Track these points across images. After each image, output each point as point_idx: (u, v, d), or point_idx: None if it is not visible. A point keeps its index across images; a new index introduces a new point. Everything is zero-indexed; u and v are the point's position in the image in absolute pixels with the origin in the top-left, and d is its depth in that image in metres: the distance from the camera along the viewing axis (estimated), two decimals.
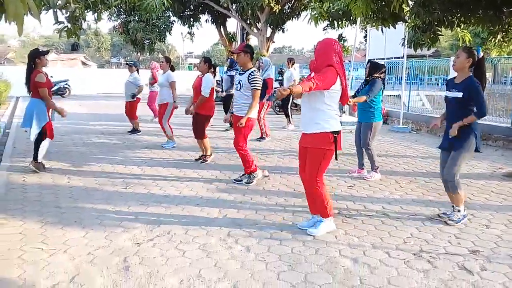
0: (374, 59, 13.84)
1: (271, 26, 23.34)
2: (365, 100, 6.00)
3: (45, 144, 6.28)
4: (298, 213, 4.58)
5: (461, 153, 4.21)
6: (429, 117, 11.46)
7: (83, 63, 54.18)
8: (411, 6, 6.87)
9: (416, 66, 15.01)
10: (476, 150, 4.25)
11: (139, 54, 30.38)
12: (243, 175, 5.88)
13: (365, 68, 6.45)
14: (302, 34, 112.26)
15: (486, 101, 4.14)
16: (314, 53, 3.98)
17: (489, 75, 24.87)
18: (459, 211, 4.35)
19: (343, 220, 4.40)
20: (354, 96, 6.19)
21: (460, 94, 4.14)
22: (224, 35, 26.14)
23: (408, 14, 7.32)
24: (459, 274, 3.25)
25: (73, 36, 6.89)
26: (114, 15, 22.36)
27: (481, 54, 4.16)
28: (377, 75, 6.09)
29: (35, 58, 6.00)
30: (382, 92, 6.19)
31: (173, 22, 23.79)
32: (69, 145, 8.46)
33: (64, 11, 6.38)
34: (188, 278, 3.15)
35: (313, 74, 3.87)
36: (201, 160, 7.05)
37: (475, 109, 4.13)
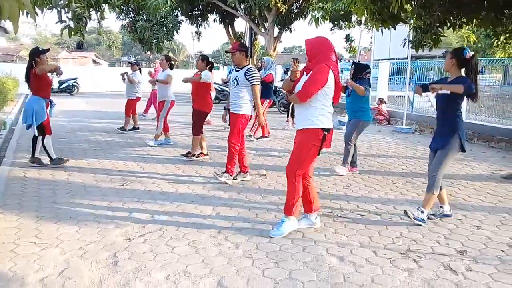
0: (378, 60, 13.86)
1: (279, 26, 23.34)
2: (363, 93, 6.11)
3: (48, 141, 6.39)
4: None
5: (445, 152, 4.23)
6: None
7: (94, 61, 54.64)
8: (411, 7, 6.85)
9: (422, 66, 14.89)
10: (462, 150, 4.26)
11: (149, 52, 30.41)
12: (224, 172, 5.79)
13: (350, 70, 6.57)
14: (312, 33, 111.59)
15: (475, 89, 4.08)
16: (307, 52, 3.98)
17: (499, 76, 24.58)
18: (422, 212, 4.29)
19: (334, 219, 4.43)
20: (347, 94, 6.31)
21: (447, 92, 4.15)
22: (232, 35, 26.18)
23: (409, 15, 7.30)
24: (443, 274, 3.26)
25: (77, 35, 7.01)
26: (123, 14, 22.50)
27: (470, 54, 4.14)
28: (362, 75, 6.20)
29: (35, 57, 6.10)
30: (369, 92, 6.31)
31: (181, 21, 23.86)
32: (72, 142, 8.58)
33: (66, 9, 6.49)
34: (175, 273, 3.21)
35: (307, 77, 3.88)
36: (187, 157, 7.08)
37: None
